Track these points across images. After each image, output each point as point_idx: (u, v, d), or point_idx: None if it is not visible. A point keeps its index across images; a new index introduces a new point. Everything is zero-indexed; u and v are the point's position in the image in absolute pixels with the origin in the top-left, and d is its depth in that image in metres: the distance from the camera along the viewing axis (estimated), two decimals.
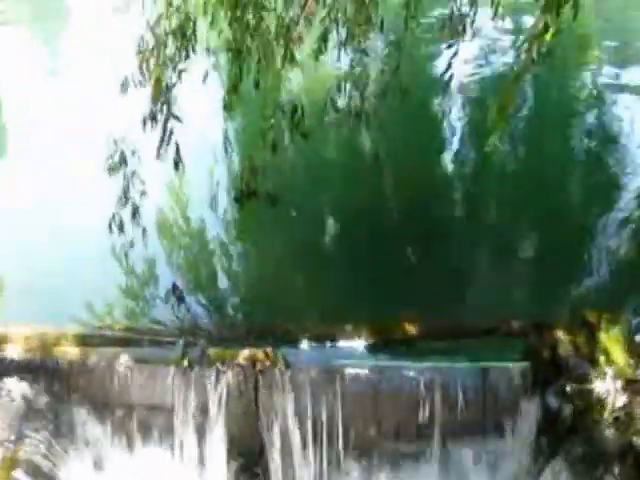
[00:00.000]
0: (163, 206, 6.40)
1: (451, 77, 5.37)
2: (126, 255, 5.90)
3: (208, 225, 6.66)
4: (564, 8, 4.52)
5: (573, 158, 7.56)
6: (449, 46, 5.33)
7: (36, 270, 5.84)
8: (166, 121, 5.21)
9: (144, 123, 5.15)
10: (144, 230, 5.58)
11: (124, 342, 5.44)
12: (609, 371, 4.78)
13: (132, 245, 5.74)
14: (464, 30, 5.32)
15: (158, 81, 5.13)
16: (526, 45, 4.74)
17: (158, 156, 5.21)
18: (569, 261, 6.07)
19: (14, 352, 5.35)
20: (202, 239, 6.53)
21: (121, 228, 5.46)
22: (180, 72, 5.11)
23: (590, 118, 8.29)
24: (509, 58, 9.21)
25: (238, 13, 5.05)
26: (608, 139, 7.82)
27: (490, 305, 5.59)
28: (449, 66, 5.31)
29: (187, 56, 5.09)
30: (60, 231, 6.24)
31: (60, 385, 5.36)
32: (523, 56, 4.81)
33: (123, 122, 5.10)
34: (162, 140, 5.22)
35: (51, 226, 6.32)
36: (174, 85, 5.13)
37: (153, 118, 5.21)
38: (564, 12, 4.53)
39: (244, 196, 5.55)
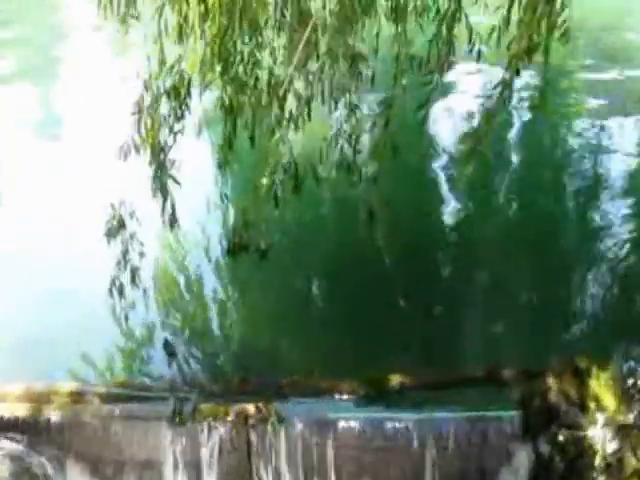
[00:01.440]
0: (156, 259, 6.53)
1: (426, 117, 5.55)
2: (126, 316, 6.00)
3: (201, 279, 6.82)
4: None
5: (561, 204, 7.74)
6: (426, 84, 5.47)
7: (30, 330, 5.93)
8: (164, 184, 5.38)
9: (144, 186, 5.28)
10: (145, 291, 5.74)
11: (116, 398, 5.52)
12: (600, 417, 4.89)
13: (132, 307, 5.89)
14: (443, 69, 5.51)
15: (154, 143, 5.29)
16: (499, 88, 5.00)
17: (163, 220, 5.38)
18: (559, 307, 6.21)
19: (5, 410, 5.42)
20: (194, 293, 6.68)
21: (121, 292, 5.63)
22: (176, 134, 5.27)
23: (577, 164, 8.50)
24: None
25: (231, 70, 5.25)
26: (596, 185, 8.04)
27: (481, 353, 5.71)
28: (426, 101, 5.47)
29: (182, 116, 5.27)
30: (56, 290, 6.37)
31: (52, 443, 5.43)
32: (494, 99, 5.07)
33: (120, 184, 5.26)
34: (163, 204, 5.37)
35: (47, 286, 6.46)
36: (170, 147, 5.30)
37: (151, 181, 5.36)
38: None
39: (236, 250, 5.70)
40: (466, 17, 5.08)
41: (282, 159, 5.23)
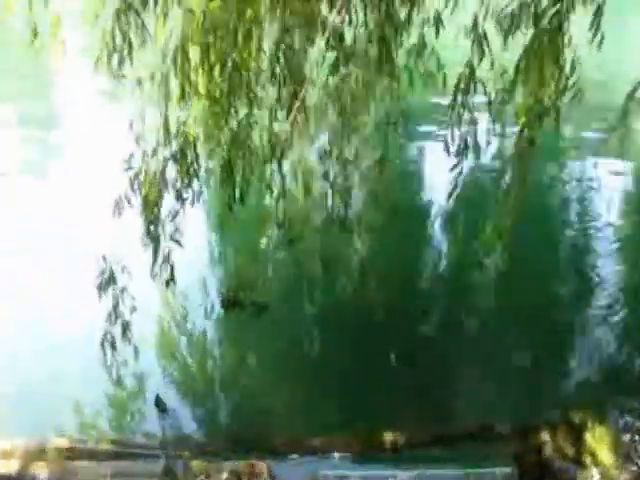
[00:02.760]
0: (149, 314, 6.60)
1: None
2: (118, 371, 6.04)
3: (195, 335, 6.88)
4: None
5: (555, 258, 7.82)
6: (454, 166, 5.59)
7: (19, 384, 5.97)
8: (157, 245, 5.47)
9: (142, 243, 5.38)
10: (136, 348, 5.78)
11: (107, 455, 5.53)
12: (596, 473, 4.89)
13: (124, 362, 5.93)
14: (467, 148, 5.60)
15: (154, 204, 5.39)
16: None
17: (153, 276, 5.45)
18: (554, 361, 6.25)
19: None
20: (188, 349, 6.72)
21: (113, 346, 5.67)
22: (184, 200, 5.38)
23: (573, 218, 8.62)
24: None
25: (230, 130, 5.39)
26: (590, 239, 8.15)
27: (475, 408, 5.73)
28: (455, 186, 5.56)
29: (190, 182, 5.38)
30: (46, 343, 6.43)
31: None
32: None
33: (113, 238, 5.34)
34: (161, 261, 5.44)
35: (36, 339, 6.52)
36: (177, 212, 5.40)
37: (151, 241, 5.46)
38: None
39: (231, 306, 5.79)
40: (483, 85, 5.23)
41: (277, 216, 5.34)
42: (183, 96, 5.28)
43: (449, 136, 5.67)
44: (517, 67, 4.84)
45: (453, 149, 5.85)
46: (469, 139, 5.85)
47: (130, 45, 4.79)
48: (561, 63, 4.76)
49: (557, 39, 4.70)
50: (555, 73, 4.79)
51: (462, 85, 5.61)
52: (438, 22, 5.78)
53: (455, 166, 5.80)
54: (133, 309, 5.57)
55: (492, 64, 5.52)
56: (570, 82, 4.72)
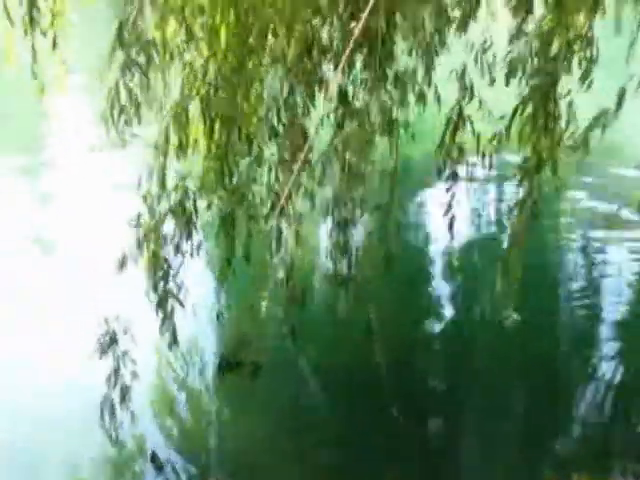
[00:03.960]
0: (148, 373, 6.56)
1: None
2: (116, 432, 5.99)
3: (194, 393, 6.84)
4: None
5: (555, 320, 7.83)
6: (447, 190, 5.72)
7: (17, 447, 5.89)
8: (164, 302, 5.49)
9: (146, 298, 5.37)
10: (133, 414, 5.73)
11: None
12: None
13: (121, 425, 5.88)
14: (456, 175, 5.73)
15: (157, 260, 5.42)
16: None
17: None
18: (556, 423, 6.22)
19: None
20: (186, 409, 6.66)
21: (112, 412, 5.64)
22: (184, 253, 5.44)
23: (574, 285, 8.62)
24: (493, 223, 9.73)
25: (230, 186, 5.44)
26: (591, 297, 8.24)
27: (476, 470, 5.68)
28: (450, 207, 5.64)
29: (189, 235, 5.39)
30: (43, 404, 6.44)
31: None
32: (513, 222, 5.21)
33: (114, 299, 5.35)
34: (163, 321, 5.44)
35: (34, 399, 6.55)
36: (180, 267, 5.40)
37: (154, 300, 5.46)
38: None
39: (229, 366, 5.77)
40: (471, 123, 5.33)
41: (278, 274, 5.36)
42: (182, 150, 5.35)
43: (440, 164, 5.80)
44: (512, 117, 4.96)
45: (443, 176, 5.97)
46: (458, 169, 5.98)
47: (136, 101, 4.85)
48: (557, 114, 4.89)
49: (552, 90, 4.83)
50: (550, 124, 4.91)
51: (450, 125, 5.76)
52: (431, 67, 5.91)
53: (448, 190, 5.92)
54: (134, 374, 5.57)
55: (480, 107, 5.68)
56: (567, 134, 4.84)
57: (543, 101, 4.72)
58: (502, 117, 5.04)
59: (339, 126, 6.04)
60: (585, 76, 4.76)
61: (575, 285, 8.67)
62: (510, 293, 5.35)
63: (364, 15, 5.00)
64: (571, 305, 8.28)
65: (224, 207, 5.66)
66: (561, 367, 7.20)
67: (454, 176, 6.05)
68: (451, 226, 6.12)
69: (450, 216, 6.20)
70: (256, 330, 5.29)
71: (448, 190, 6.12)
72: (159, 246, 5.28)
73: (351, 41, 6.06)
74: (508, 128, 4.91)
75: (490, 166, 5.43)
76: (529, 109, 4.78)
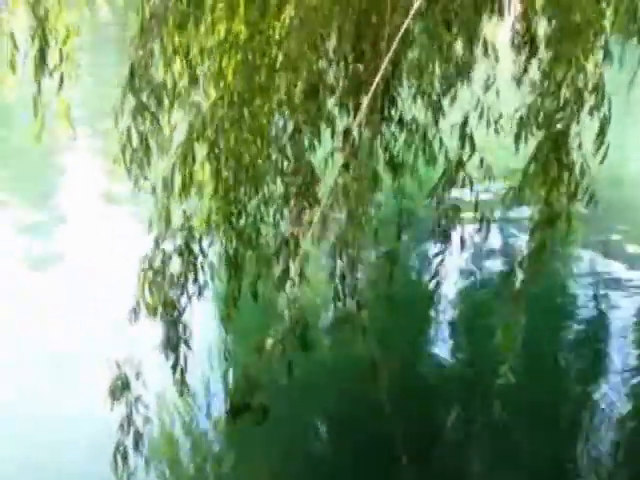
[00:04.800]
0: (157, 418, 6.55)
1: (438, 284, 5.78)
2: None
3: (201, 437, 6.84)
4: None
5: (562, 366, 7.84)
6: (437, 254, 5.80)
7: None
8: (176, 346, 5.50)
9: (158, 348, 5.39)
10: (147, 460, 5.71)
11: None
12: None
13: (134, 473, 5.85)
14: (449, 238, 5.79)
15: (166, 303, 5.43)
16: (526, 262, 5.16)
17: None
18: (563, 467, 6.21)
19: None
20: (195, 451, 6.65)
21: (125, 458, 5.61)
22: (190, 296, 5.49)
23: (582, 333, 8.63)
24: (497, 265, 9.73)
25: (236, 226, 5.48)
26: (597, 347, 8.23)
27: None
28: (436, 273, 5.73)
29: (195, 278, 5.37)
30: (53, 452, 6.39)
31: None
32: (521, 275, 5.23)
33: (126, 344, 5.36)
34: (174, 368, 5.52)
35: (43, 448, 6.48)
36: (184, 309, 5.43)
37: (164, 344, 5.48)
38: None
39: (238, 410, 5.77)
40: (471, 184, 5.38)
41: (285, 315, 5.38)
42: (188, 190, 5.39)
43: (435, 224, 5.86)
44: (525, 171, 4.96)
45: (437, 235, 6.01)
46: (452, 228, 6.03)
47: (147, 145, 4.91)
48: (570, 167, 4.88)
49: (564, 144, 4.83)
50: (563, 177, 4.90)
51: (447, 178, 5.82)
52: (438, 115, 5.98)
53: (439, 253, 5.98)
54: (147, 420, 5.56)
55: (481, 163, 5.73)
56: (581, 187, 4.83)
57: (555, 153, 4.71)
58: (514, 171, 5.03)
59: (345, 167, 6.10)
60: (600, 139, 4.71)
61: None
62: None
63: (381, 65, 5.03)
64: None
65: (230, 247, 5.70)
66: None
67: (445, 236, 6.09)
68: (436, 288, 6.10)
69: (437, 281, 6.24)
70: (264, 372, 5.28)
71: (438, 255, 6.16)
72: (166, 288, 5.31)
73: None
74: (521, 186, 4.88)
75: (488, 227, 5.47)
76: (540, 162, 4.75)
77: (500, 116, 5.64)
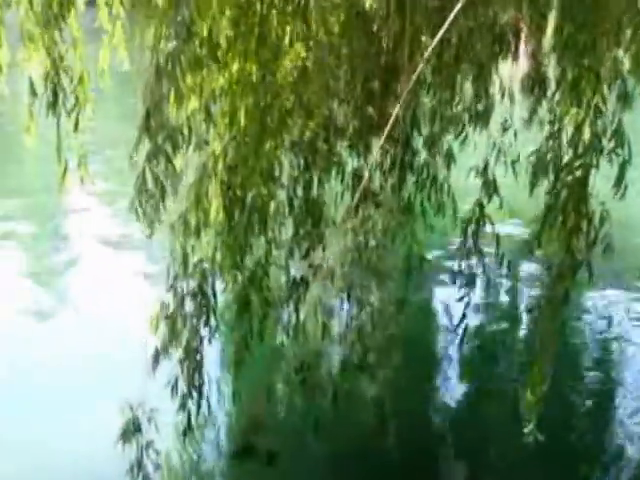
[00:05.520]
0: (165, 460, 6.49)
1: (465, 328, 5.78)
2: None
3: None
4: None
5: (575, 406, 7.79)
6: (461, 298, 5.79)
7: None
8: (190, 392, 5.46)
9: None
10: None
11: None
12: None
13: None
14: (474, 282, 5.80)
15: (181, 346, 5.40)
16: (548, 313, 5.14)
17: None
18: None
19: None
20: None
21: None
22: (202, 338, 5.52)
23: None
24: (512, 307, 9.70)
25: (246, 268, 5.47)
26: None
27: None
28: (463, 317, 5.71)
29: (207, 321, 5.44)
30: None
31: None
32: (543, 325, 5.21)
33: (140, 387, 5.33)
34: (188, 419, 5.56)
35: None
36: (197, 350, 5.49)
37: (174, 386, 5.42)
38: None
39: (244, 453, 5.72)
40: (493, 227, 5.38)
41: (294, 359, 5.35)
42: (199, 232, 5.38)
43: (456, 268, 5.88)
44: (544, 219, 4.93)
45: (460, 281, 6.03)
46: (477, 272, 6.04)
47: (162, 187, 4.90)
48: (589, 215, 4.85)
49: (582, 190, 4.81)
50: (582, 225, 4.87)
51: (472, 224, 5.82)
52: (450, 160, 6.01)
53: (461, 299, 6.00)
54: (157, 466, 5.51)
55: (501, 206, 5.73)
56: (600, 235, 4.80)
57: (572, 201, 4.68)
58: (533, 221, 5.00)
59: (355, 209, 6.10)
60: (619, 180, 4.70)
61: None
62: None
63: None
64: None
65: (240, 290, 5.67)
66: None
67: (470, 281, 6.12)
68: (462, 338, 6.10)
69: (463, 326, 6.23)
70: (272, 416, 5.25)
71: (462, 299, 6.17)
72: (179, 331, 5.29)
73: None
74: (539, 234, 4.87)
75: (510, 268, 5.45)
76: (558, 210, 4.73)
77: (517, 159, 5.65)
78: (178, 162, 5.07)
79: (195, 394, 5.52)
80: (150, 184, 4.88)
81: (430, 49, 4.86)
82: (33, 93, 5.04)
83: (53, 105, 5.16)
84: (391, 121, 4.97)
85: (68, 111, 5.20)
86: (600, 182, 4.77)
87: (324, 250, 6.04)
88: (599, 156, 4.61)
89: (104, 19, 5.55)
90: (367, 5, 4.59)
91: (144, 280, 9.70)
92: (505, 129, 5.77)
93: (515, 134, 5.78)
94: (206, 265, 5.37)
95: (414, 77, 5.02)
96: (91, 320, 9.12)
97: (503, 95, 5.99)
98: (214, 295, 5.45)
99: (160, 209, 5.03)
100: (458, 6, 4.51)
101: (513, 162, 5.68)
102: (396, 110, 5.07)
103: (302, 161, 5.96)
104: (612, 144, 4.60)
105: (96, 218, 13.05)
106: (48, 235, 12.54)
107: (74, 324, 9.24)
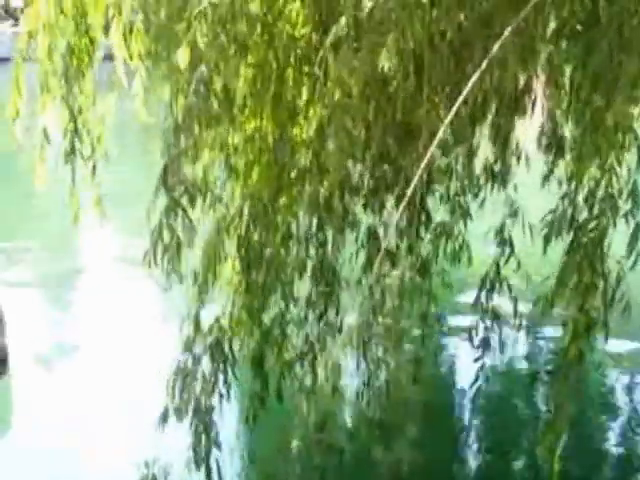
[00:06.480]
0: None
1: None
2: None
3: None
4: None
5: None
6: (476, 359, 5.78)
7: None
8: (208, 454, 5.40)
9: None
10: None
11: None
12: None
13: None
14: (489, 345, 5.80)
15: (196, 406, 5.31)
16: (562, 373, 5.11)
17: None
18: None
19: None
20: None
21: None
22: (221, 396, 5.50)
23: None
24: (527, 367, 9.63)
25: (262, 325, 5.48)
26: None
27: None
28: (477, 377, 5.70)
29: (225, 379, 5.44)
30: None
31: None
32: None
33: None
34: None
35: None
36: (212, 409, 5.45)
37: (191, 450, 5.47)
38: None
39: None
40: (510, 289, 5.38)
41: (311, 418, 5.33)
42: (213, 289, 5.40)
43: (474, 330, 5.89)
44: (559, 278, 4.93)
45: (477, 342, 6.03)
46: (493, 334, 6.04)
47: (178, 242, 4.92)
48: (605, 273, 4.84)
49: (598, 249, 4.81)
50: (598, 284, 4.86)
51: (488, 284, 5.83)
52: (466, 217, 6.04)
53: (478, 359, 5.99)
54: None
55: (518, 266, 5.74)
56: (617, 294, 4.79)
57: (589, 260, 4.67)
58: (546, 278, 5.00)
59: (369, 266, 6.12)
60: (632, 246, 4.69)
61: None
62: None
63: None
64: None
65: (256, 347, 5.68)
66: None
67: (485, 342, 6.13)
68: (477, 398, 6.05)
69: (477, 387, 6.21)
70: (287, 476, 5.21)
71: (477, 360, 6.17)
72: (196, 391, 5.28)
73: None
74: (554, 293, 4.86)
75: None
76: (573, 270, 4.72)
77: (533, 218, 5.68)
78: (195, 217, 5.12)
79: (210, 452, 5.48)
80: (166, 237, 4.91)
81: (452, 113, 4.85)
82: (47, 142, 5.12)
83: (69, 154, 5.23)
84: (409, 180, 5.02)
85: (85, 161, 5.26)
86: (618, 238, 4.78)
87: (339, 308, 6.06)
88: (615, 216, 4.62)
89: (121, 73, 5.68)
90: (385, 66, 4.64)
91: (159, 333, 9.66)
92: (521, 188, 5.83)
93: (531, 193, 5.83)
94: (223, 322, 5.39)
95: (432, 139, 5.05)
96: (106, 376, 9.11)
97: (519, 155, 6.05)
98: (232, 353, 5.45)
99: (176, 262, 5.05)
100: (477, 73, 4.55)
101: (530, 224, 5.69)
102: (419, 173, 5.10)
103: (316, 219, 6.00)
104: (628, 205, 4.64)
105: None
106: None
107: (88, 377, 9.23)
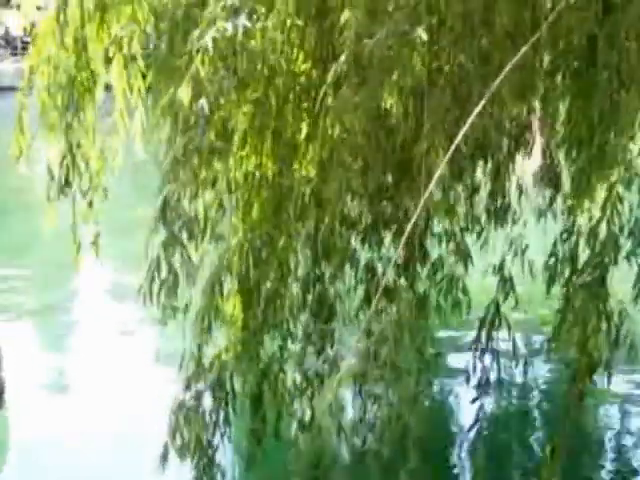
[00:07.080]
0: None
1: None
2: None
3: None
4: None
5: None
6: (474, 400, 5.73)
7: None
8: None
9: None
10: None
11: None
12: None
13: None
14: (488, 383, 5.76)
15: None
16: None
17: None
18: None
19: None
20: None
21: None
22: (223, 435, 5.48)
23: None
24: (526, 408, 9.55)
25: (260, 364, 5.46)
26: None
27: None
28: (477, 419, 5.65)
29: (227, 417, 5.43)
30: None
31: None
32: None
33: None
34: None
35: None
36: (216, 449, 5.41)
37: None
38: None
39: None
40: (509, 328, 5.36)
41: (308, 455, 5.29)
42: (209, 327, 5.38)
43: (471, 369, 5.84)
44: (561, 320, 4.91)
45: (474, 382, 5.98)
46: (491, 373, 6.00)
47: (175, 277, 4.91)
48: (607, 315, 4.81)
49: (601, 290, 4.78)
50: (601, 326, 4.82)
51: (487, 323, 5.81)
52: (467, 258, 6.03)
53: (476, 399, 5.95)
54: None
55: (516, 303, 5.72)
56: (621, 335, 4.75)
57: (591, 300, 4.65)
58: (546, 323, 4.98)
59: (367, 302, 6.11)
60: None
61: None
62: None
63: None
64: None
65: (254, 384, 5.65)
66: None
67: (484, 382, 6.09)
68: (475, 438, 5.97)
69: (476, 426, 6.17)
70: None
71: (475, 400, 6.12)
72: (197, 429, 5.25)
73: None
74: (556, 333, 4.84)
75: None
76: (575, 311, 4.69)
77: (533, 256, 5.68)
78: (193, 252, 5.10)
79: None
80: (164, 271, 4.89)
81: (451, 151, 4.85)
82: (51, 178, 5.14)
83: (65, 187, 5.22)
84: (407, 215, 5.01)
85: (82, 194, 5.27)
86: (620, 277, 4.76)
87: (337, 345, 6.03)
88: (617, 255, 4.61)
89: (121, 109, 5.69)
90: (386, 104, 4.66)
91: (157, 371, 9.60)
92: (519, 224, 5.82)
93: (530, 230, 5.82)
94: (224, 359, 5.36)
95: (432, 176, 5.06)
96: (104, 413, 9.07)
97: (520, 191, 6.05)
98: (233, 390, 5.42)
99: (174, 297, 5.04)
100: (476, 110, 4.56)
101: (530, 261, 5.68)
102: (418, 211, 5.10)
103: (315, 255, 5.99)
104: (629, 244, 4.63)
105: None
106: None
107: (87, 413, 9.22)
